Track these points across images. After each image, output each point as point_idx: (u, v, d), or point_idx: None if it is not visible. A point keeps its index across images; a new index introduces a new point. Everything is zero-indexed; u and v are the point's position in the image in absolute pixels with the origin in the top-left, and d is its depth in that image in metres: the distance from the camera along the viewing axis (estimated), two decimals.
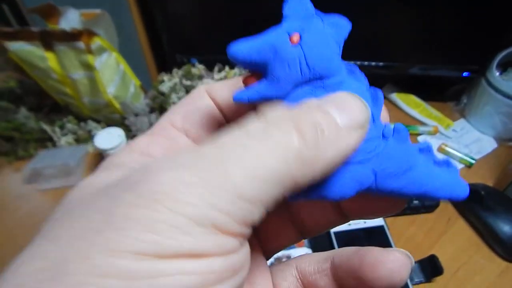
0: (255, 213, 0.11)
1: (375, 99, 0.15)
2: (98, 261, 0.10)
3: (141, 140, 0.16)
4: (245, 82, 0.15)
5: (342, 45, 0.15)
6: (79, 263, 0.10)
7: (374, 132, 0.14)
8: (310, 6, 0.15)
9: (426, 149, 0.15)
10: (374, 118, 0.15)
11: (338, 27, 0.15)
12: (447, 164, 0.15)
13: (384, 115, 0.16)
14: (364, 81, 0.15)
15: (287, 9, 0.15)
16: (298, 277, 0.17)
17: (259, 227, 0.15)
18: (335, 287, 0.16)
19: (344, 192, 0.14)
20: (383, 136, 0.15)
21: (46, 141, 0.67)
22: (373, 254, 0.15)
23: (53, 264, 0.10)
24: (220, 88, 0.17)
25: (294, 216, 0.18)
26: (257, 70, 0.15)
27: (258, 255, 0.18)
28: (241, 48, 0.14)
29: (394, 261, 0.14)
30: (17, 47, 0.54)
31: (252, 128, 0.11)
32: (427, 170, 0.15)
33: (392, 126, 0.15)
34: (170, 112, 0.17)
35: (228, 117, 0.17)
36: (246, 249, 0.12)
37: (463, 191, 0.15)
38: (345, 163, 0.13)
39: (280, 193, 0.11)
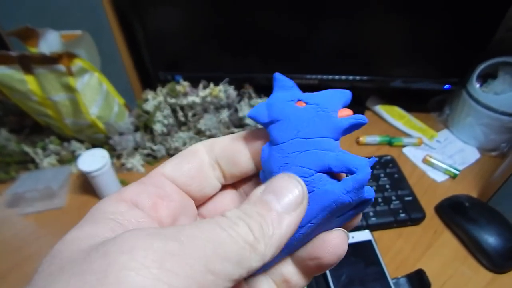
0: (220, 286, 0.13)
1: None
2: None
3: (132, 189, 0.18)
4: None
5: None
6: None
7: None
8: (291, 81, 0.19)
9: None
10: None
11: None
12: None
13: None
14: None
15: (276, 83, 0.19)
16: (267, 277, 0.20)
17: None
18: (296, 271, 0.19)
19: None
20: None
21: (28, 163, 0.66)
22: (320, 236, 0.18)
23: None
24: (217, 143, 0.20)
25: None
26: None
27: None
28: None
29: (337, 237, 0.18)
30: None
31: (221, 223, 0.14)
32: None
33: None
34: (164, 163, 0.19)
35: (225, 172, 0.20)
36: None
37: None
38: None
39: (240, 274, 0.14)
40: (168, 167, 0.19)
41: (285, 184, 0.16)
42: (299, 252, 0.19)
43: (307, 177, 0.17)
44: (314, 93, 0.18)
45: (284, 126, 0.18)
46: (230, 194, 0.22)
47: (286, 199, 0.16)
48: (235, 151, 0.20)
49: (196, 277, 0.12)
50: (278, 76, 0.19)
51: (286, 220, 0.15)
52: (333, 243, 0.18)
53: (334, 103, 0.18)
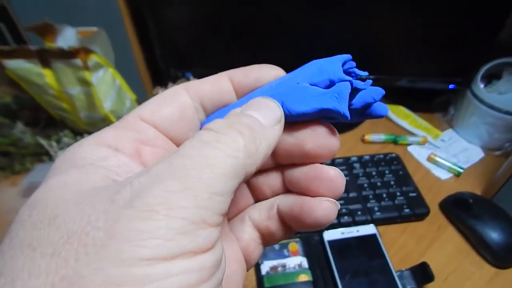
0: (226, 203, 0.13)
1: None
2: (112, 271, 0.10)
3: (107, 133, 0.16)
4: None
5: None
6: (93, 276, 0.10)
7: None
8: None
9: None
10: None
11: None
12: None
13: None
14: None
15: None
16: (253, 227, 0.20)
17: None
18: (283, 229, 0.19)
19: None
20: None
21: (42, 155, 0.67)
22: (308, 204, 0.18)
23: (65, 280, 0.10)
24: (199, 85, 0.19)
25: (250, 185, 0.21)
26: None
27: (223, 224, 0.20)
28: None
29: (325, 209, 0.17)
30: (15, 65, 0.55)
31: (206, 139, 0.14)
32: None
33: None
34: (139, 107, 0.18)
35: (207, 111, 0.19)
36: (221, 245, 0.14)
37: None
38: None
39: (238, 182, 0.14)
40: (146, 111, 0.18)
41: (263, 102, 0.16)
42: (287, 211, 0.19)
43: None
44: None
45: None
46: None
47: (267, 114, 0.16)
48: (222, 90, 0.19)
49: (204, 204, 0.12)
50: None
51: (270, 131, 0.16)
52: (320, 214, 0.17)
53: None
